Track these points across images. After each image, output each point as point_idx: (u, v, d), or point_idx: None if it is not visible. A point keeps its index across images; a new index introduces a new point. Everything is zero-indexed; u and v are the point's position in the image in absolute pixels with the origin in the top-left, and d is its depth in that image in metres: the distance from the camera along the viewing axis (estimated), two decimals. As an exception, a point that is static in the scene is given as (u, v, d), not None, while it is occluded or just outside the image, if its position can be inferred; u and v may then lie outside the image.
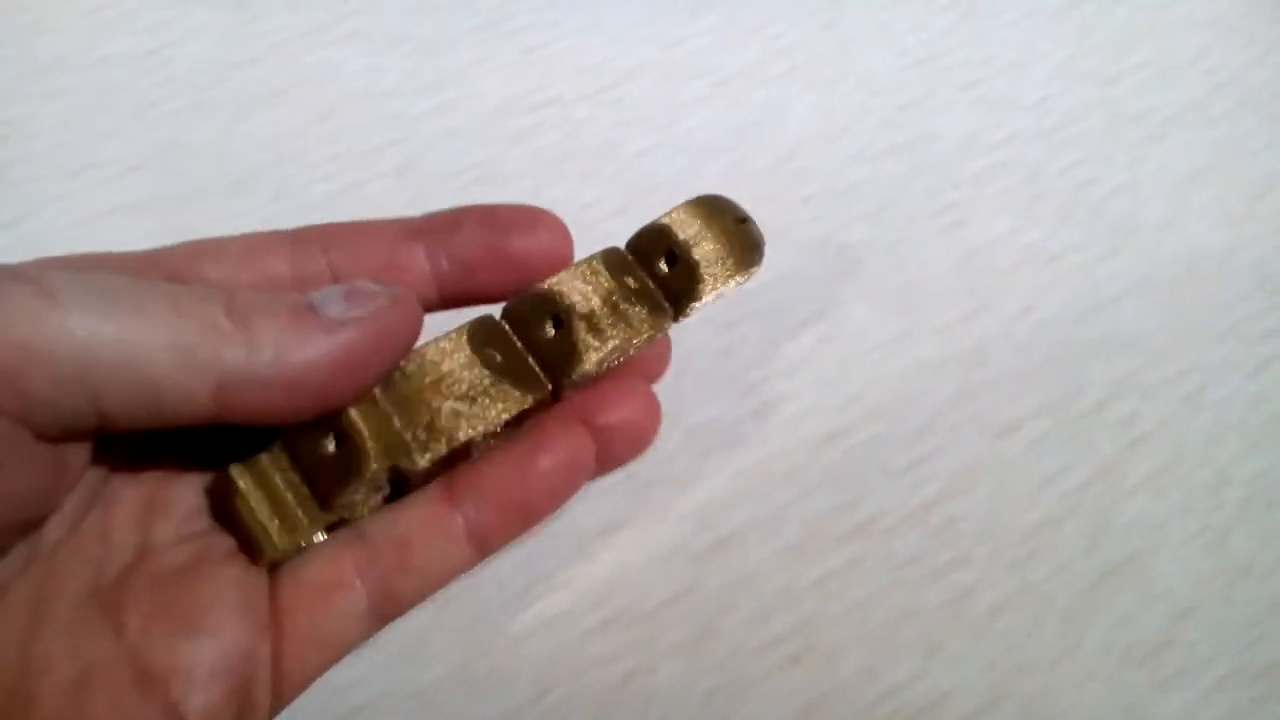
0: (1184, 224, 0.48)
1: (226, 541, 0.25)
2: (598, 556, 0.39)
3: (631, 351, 0.28)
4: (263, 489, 0.25)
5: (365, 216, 0.45)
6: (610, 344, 0.28)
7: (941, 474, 0.41)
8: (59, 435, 0.20)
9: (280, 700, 0.24)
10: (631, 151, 0.48)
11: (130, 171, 0.46)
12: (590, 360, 0.27)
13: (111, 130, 0.47)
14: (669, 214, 0.30)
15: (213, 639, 0.22)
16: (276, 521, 0.25)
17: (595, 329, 0.27)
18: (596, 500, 0.40)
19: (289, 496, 0.25)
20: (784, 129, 0.49)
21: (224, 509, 0.25)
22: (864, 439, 0.42)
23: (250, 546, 0.25)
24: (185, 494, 0.25)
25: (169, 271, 0.24)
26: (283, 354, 0.20)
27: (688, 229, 0.29)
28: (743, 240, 0.29)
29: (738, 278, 0.29)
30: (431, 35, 0.51)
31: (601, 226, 0.46)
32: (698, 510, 0.40)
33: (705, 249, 0.29)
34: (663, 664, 0.38)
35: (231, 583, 0.23)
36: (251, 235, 0.27)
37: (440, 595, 0.38)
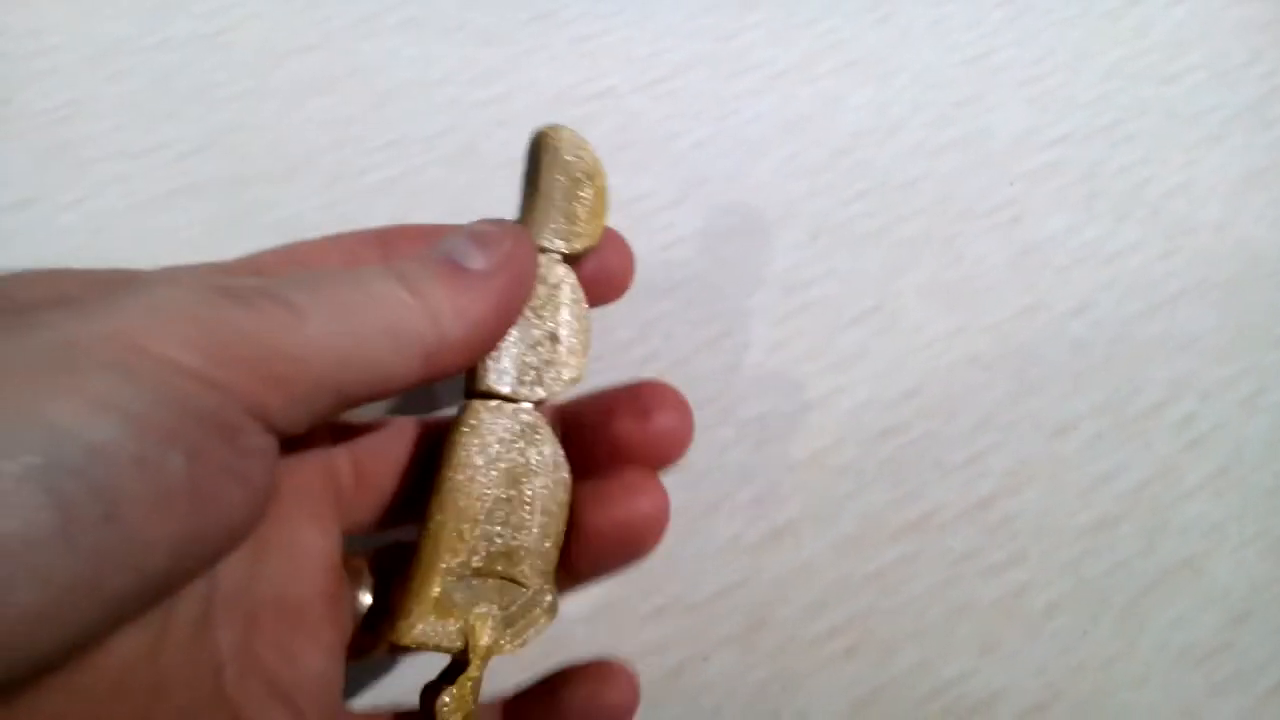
0: (1241, 225, 0.47)
1: None
2: (651, 546, 0.39)
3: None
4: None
5: (420, 203, 0.46)
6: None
7: (997, 471, 0.41)
8: (303, 430, 0.21)
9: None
10: (686, 144, 0.48)
11: (190, 154, 0.46)
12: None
13: (171, 113, 0.47)
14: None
15: None
16: None
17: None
18: (650, 490, 0.40)
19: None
20: (838, 123, 0.49)
21: None
22: (919, 434, 0.42)
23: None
24: None
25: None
26: (462, 319, 0.22)
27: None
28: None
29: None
30: (485, 24, 0.52)
31: (656, 218, 0.46)
32: (752, 502, 0.40)
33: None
34: (716, 654, 0.38)
35: None
36: (338, 237, 0.28)
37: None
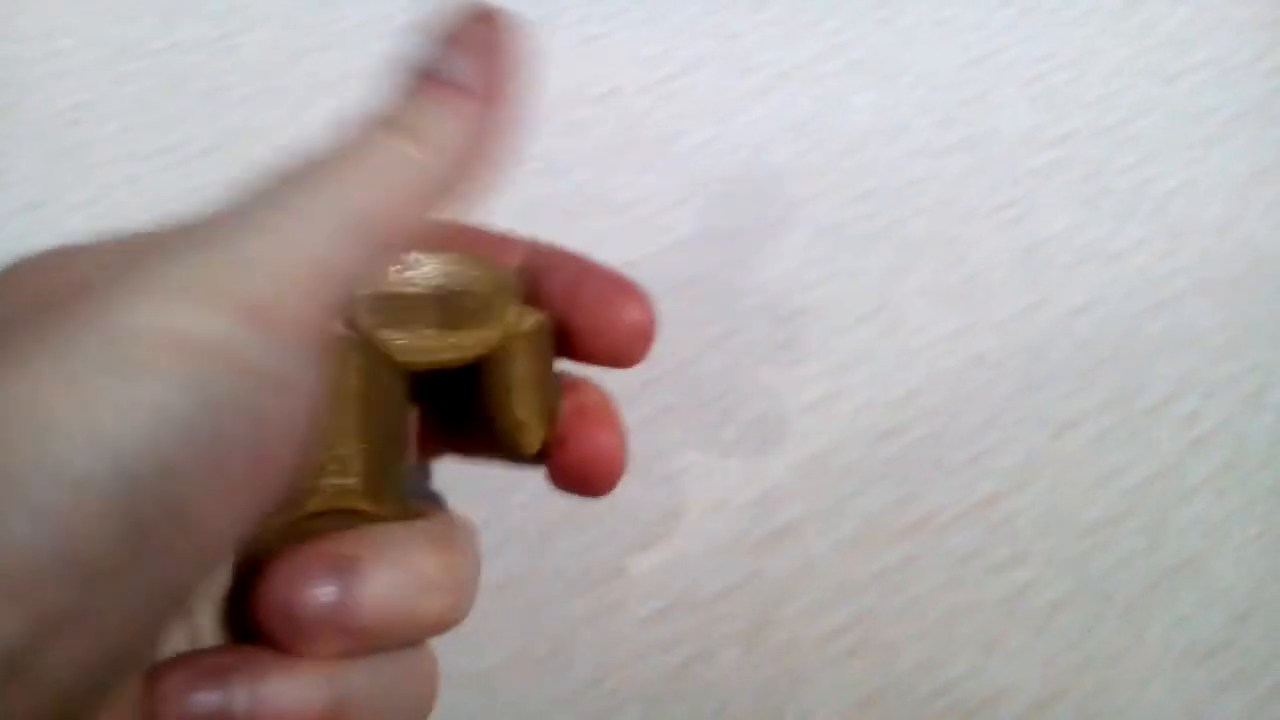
0: (1245, 223, 0.48)
1: None
2: (656, 545, 0.40)
3: None
4: None
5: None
6: None
7: (1000, 470, 0.41)
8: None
9: None
10: (691, 144, 0.49)
11: (200, 156, 0.46)
12: None
13: (181, 115, 0.47)
14: None
15: None
16: None
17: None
18: (655, 489, 0.40)
19: None
20: (843, 123, 0.50)
21: None
22: (922, 434, 0.42)
23: None
24: None
25: None
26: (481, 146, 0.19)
27: None
28: None
29: None
30: (492, 26, 0.52)
31: (661, 217, 0.46)
32: (756, 502, 0.40)
33: None
34: (720, 652, 0.38)
35: None
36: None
37: (499, 581, 0.39)
